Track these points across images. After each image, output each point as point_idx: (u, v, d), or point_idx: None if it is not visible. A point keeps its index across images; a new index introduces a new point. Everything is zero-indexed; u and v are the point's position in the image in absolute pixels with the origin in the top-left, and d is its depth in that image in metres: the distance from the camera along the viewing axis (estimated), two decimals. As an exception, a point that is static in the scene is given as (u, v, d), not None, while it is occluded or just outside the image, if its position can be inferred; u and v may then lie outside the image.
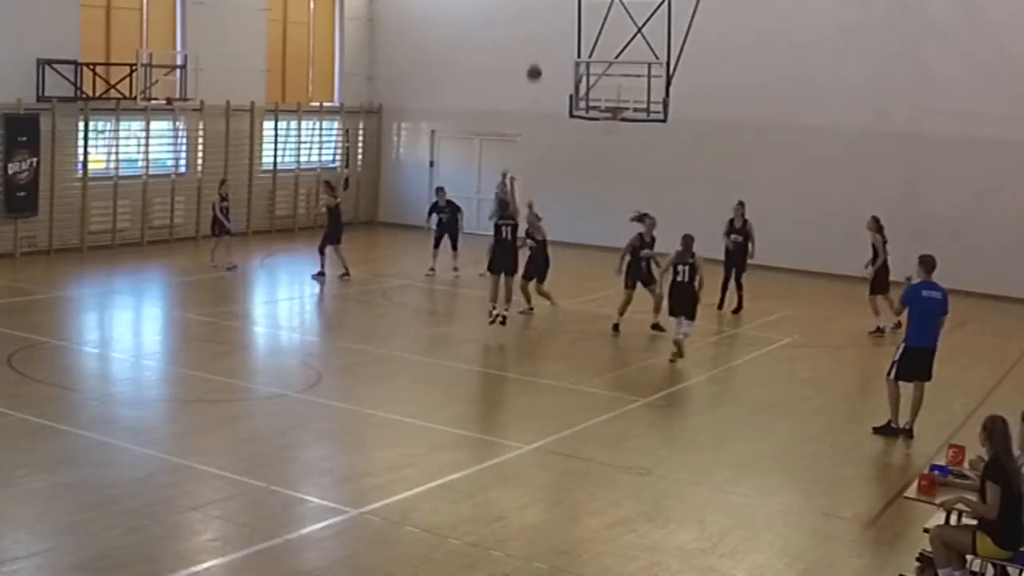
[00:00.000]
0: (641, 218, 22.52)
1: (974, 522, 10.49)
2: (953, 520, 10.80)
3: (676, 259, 20.14)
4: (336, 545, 11.78)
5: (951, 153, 28.22)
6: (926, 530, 10.80)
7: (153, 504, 12.40)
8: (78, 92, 28.40)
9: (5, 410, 15.41)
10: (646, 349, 21.67)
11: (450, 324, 21.28)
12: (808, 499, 13.83)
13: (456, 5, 34.87)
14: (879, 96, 28.92)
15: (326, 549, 11.69)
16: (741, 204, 24.88)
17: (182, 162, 31.59)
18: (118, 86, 29.11)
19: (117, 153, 30.19)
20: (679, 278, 20.14)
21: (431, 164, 36.13)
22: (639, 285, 22.35)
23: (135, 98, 29.28)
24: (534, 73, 26.40)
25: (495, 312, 21.36)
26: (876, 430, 16.34)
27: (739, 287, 24.62)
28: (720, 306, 24.44)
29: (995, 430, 10.33)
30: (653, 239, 22.41)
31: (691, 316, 19.98)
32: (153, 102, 29.86)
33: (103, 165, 30.09)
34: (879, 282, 23.30)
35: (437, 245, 27.66)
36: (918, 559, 11.11)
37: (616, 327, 22.12)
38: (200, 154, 31.77)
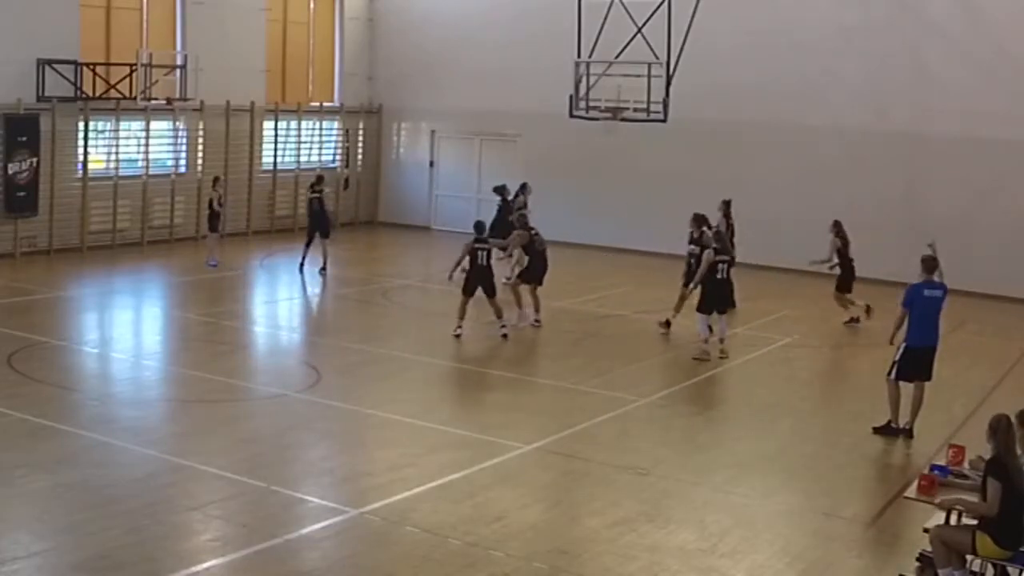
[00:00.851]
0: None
1: (974, 522, 10.49)
2: (953, 520, 10.80)
3: (715, 256, 20.33)
4: (336, 545, 11.78)
5: (951, 153, 28.20)
6: (926, 530, 10.80)
7: (153, 504, 12.40)
8: (78, 92, 28.40)
9: (5, 410, 15.41)
10: (646, 349, 21.65)
11: (450, 324, 21.24)
12: (808, 499, 13.83)
13: (456, 5, 34.88)
14: (879, 96, 28.92)
15: (326, 549, 11.69)
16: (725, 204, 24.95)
17: (182, 162, 31.59)
18: (118, 86, 29.11)
19: (117, 153, 30.18)
20: (719, 275, 20.42)
21: (431, 164, 36.14)
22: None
23: (135, 98, 29.28)
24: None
25: (458, 328, 21.15)
26: (876, 430, 16.34)
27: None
28: None
29: (999, 428, 10.35)
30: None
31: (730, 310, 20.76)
32: (153, 102, 29.86)
33: (103, 165, 30.09)
34: (844, 281, 23.85)
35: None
36: (918, 559, 11.11)
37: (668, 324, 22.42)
38: (200, 154, 31.76)
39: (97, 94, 28.76)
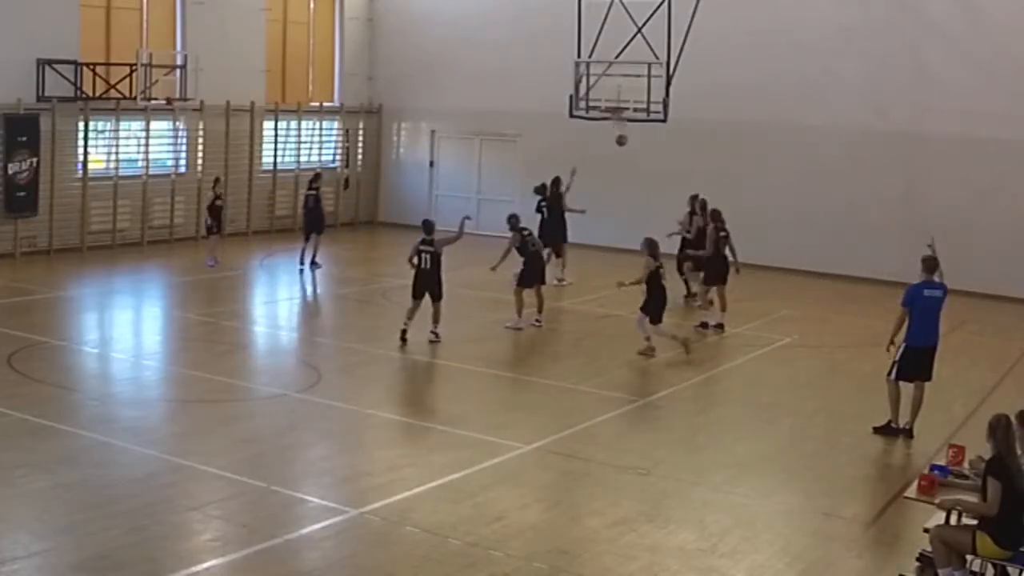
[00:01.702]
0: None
1: (974, 522, 10.49)
2: (953, 520, 10.80)
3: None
4: (336, 545, 11.78)
5: (951, 153, 28.18)
6: (926, 530, 10.80)
7: (153, 504, 12.41)
8: (78, 92, 28.40)
9: (5, 410, 15.42)
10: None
11: (450, 324, 21.24)
12: (808, 499, 13.83)
13: (456, 5, 34.86)
14: (879, 96, 28.90)
15: (326, 549, 11.69)
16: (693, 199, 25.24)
17: (182, 162, 31.58)
18: (118, 86, 29.11)
19: (117, 153, 30.18)
20: (663, 280, 21.01)
21: (431, 164, 36.13)
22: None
23: (135, 98, 29.28)
24: (621, 141, 26.35)
25: (403, 329, 20.57)
26: (876, 430, 16.34)
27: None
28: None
29: (999, 427, 10.35)
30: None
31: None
32: (153, 102, 29.85)
33: (103, 165, 30.08)
34: (715, 273, 23.21)
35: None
36: (918, 559, 11.11)
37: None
38: (200, 154, 31.76)
39: (97, 94, 28.76)
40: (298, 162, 34.56)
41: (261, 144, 33.49)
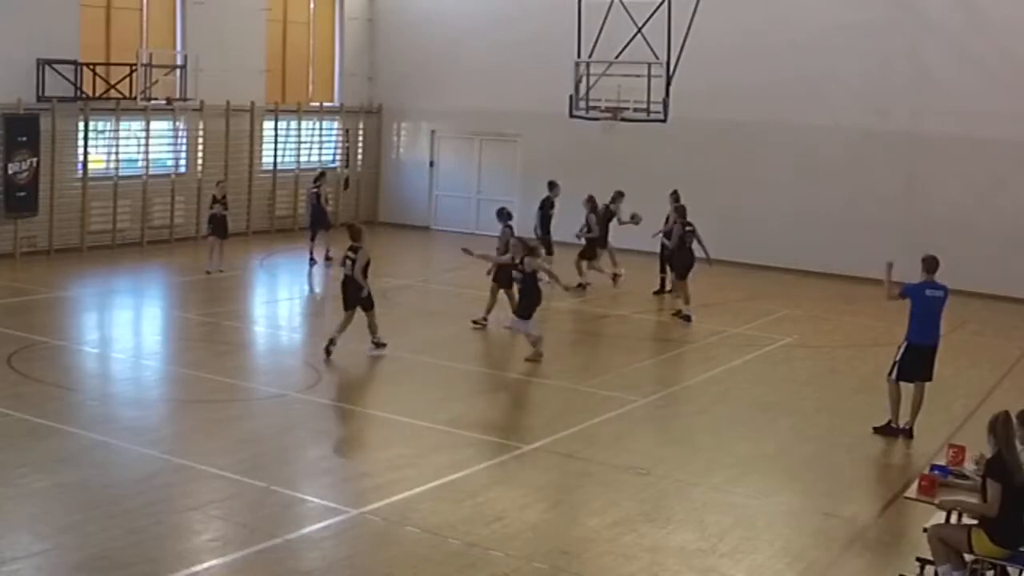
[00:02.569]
0: None
1: (974, 521, 10.49)
2: (953, 519, 10.80)
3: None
4: (336, 545, 11.77)
5: (952, 153, 28.15)
6: (925, 530, 10.80)
7: (153, 504, 12.40)
8: (78, 92, 28.38)
9: (5, 410, 15.40)
10: (645, 349, 21.65)
11: (450, 324, 21.24)
12: (808, 499, 13.82)
13: (457, 5, 34.83)
14: (879, 96, 28.86)
15: (326, 549, 11.68)
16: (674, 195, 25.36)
17: (182, 162, 31.57)
18: (118, 86, 29.10)
19: (117, 153, 30.17)
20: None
21: (431, 164, 36.10)
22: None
23: (135, 98, 29.27)
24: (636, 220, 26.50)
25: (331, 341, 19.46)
26: (876, 430, 16.33)
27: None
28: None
29: (998, 423, 10.34)
30: None
31: None
32: (153, 102, 29.84)
33: (103, 165, 30.07)
34: (681, 267, 23.76)
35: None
36: (918, 560, 11.11)
37: None
38: (200, 154, 31.75)
39: (97, 94, 28.74)
40: (298, 162, 34.55)
41: (261, 144, 33.48)
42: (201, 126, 31.62)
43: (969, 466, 11.44)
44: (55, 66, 27.89)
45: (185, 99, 30.52)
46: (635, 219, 26.50)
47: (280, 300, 26.09)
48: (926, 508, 11.10)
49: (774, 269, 28.79)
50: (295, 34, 34.72)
